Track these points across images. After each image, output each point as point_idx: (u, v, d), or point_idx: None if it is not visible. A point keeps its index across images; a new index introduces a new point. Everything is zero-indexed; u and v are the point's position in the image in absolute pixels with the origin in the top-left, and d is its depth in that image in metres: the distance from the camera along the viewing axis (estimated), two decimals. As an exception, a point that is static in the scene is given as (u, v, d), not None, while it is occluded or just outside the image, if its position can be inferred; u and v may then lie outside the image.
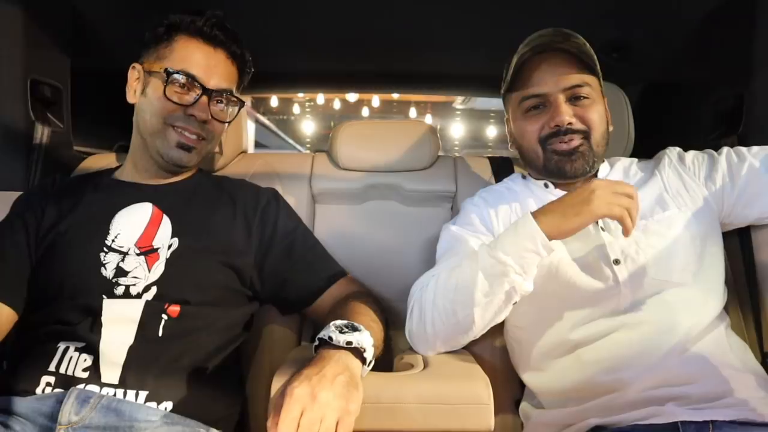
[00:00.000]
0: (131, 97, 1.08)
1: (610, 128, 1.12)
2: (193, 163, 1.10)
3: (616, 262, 0.97)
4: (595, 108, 1.06)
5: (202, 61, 1.04)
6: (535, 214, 0.91)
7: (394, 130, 1.46)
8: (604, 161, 1.15)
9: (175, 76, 1.02)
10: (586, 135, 1.05)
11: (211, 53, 1.06)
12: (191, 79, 1.03)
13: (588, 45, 1.03)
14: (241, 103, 1.13)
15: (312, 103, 8.57)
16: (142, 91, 1.06)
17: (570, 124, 1.04)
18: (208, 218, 1.07)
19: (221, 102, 1.09)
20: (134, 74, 1.08)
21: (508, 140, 1.21)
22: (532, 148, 1.09)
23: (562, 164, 1.05)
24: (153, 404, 0.90)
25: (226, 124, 1.13)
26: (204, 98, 1.04)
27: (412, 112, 8.54)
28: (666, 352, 0.91)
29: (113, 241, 1.00)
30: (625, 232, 0.88)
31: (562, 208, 0.90)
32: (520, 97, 1.09)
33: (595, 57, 1.05)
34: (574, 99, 1.05)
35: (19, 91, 1.30)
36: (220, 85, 1.06)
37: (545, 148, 1.07)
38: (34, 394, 0.89)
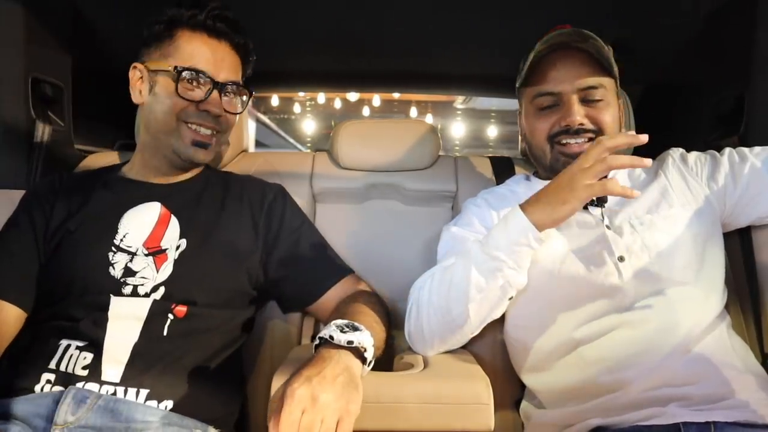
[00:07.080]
0: (137, 98, 1.07)
1: (623, 131, 1.11)
2: (209, 159, 1.11)
3: (621, 259, 0.97)
4: (608, 110, 1.04)
5: (209, 55, 1.04)
6: (524, 207, 0.91)
7: (394, 129, 1.46)
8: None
9: (185, 73, 1.02)
10: (597, 136, 1.03)
11: (216, 46, 1.06)
12: (201, 75, 1.03)
13: (605, 48, 1.02)
14: (250, 93, 1.13)
15: (313, 102, 8.56)
16: (149, 90, 1.05)
17: (581, 124, 1.03)
18: (216, 218, 1.07)
19: (231, 94, 1.09)
20: (136, 74, 1.07)
21: (519, 134, 1.20)
22: (540, 146, 1.08)
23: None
24: (153, 403, 0.90)
25: (237, 116, 1.13)
26: (215, 93, 1.04)
27: (413, 112, 8.53)
28: (668, 352, 0.91)
29: (121, 240, 1.00)
30: (630, 194, 0.85)
31: (547, 198, 0.90)
32: (534, 93, 1.08)
33: (612, 59, 1.03)
34: (587, 100, 1.04)
35: (20, 90, 1.30)
36: (228, 77, 1.06)
37: (553, 146, 1.06)
38: (33, 391, 0.89)
